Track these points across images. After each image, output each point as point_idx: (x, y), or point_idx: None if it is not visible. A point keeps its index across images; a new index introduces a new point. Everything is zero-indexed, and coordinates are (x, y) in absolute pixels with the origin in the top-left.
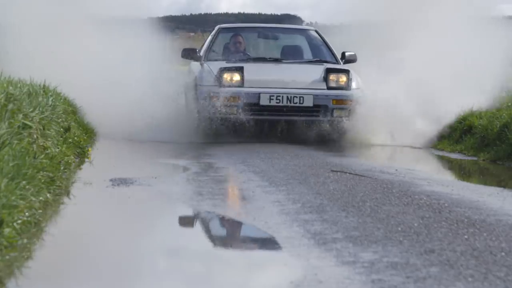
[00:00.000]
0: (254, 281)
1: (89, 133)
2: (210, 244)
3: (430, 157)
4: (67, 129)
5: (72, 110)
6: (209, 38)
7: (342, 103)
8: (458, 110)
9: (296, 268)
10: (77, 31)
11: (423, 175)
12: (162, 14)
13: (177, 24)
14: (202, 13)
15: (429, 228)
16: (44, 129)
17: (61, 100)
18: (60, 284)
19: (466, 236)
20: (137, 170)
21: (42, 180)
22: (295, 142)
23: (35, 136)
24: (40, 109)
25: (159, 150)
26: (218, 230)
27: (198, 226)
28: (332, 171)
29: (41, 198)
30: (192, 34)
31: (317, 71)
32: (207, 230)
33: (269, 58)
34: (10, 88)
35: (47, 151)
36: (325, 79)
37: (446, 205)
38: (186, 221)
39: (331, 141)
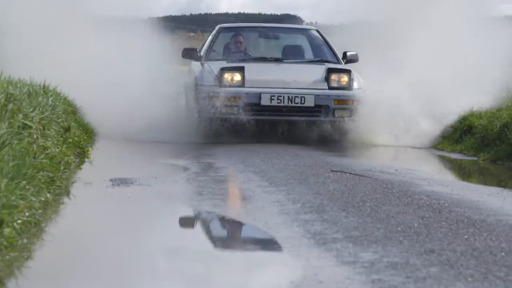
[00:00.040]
0: (254, 281)
1: (89, 133)
2: (210, 244)
3: (430, 157)
4: (67, 129)
5: (72, 110)
6: (210, 37)
7: (343, 103)
8: (459, 110)
9: (296, 268)
10: (77, 31)
11: (423, 175)
12: (162, 14)
13: (177, 24)
14: (202, 13)
15: (429, 228)
16: (44, 129)
17: (61, 100)
18: (60, 284)
19: (466, 236)
20: (137, 170)
21: (42, 180)
22: (295, 143)
23: (35, 136)
24: (40, 109)
25: (159, 150)
26: (218, 230)
27: (198, 226)
28: (332, 171)
29: (41, 198)
30: (192, 34)
31: (319, 71)
32: (207, 230)
33: (270, 58)
34: (10, 88)
35: (47, 151)
36: (327, 79)
37: (446, 205)
38: (186, 221)
39: (332, 142)
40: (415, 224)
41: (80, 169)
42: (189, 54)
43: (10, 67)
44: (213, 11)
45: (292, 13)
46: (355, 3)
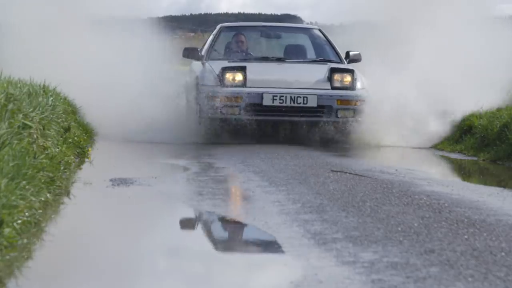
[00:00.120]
0: (254, 281)
1: (89, 133)
2: (210, 244)
3: (430, 157)
4: (67, 129)
5: (72, 110)
6: (211, 37)
7: (346, 104)
8: (464, 110)
9: (296, 268)
10: (77, 31)
11: (423, 175)
12: (162, 14)
13: (177, 24)
14: (202, 13)
15: (429, 228)
16: (44, 129)
17: (61, 100)
18: (60, 284)
19: (466, 236)
20: (137, 170)
21: (42, 180)
22: (297, 143)
23: (35, 136)
24: (40, 109)
25: (159, 150)
26: (218, 230)
27: (198, 226)
28: (332, 171)
29: (41, 198)
30: (192, 34)
31: (321, 70)
32: (207, 230)
33: (272, 57)
34: (10, 88)
35: (47, 151)
36: (329, 79)
37: (446, 205)
38: (186, 221)
39: (334, 142)
40: (415, 224)
41: (80, 169)
42: (190, 53)
43: (10, 67)
44: (213, 11)
45: (292, 13)
46: (355, 3)
